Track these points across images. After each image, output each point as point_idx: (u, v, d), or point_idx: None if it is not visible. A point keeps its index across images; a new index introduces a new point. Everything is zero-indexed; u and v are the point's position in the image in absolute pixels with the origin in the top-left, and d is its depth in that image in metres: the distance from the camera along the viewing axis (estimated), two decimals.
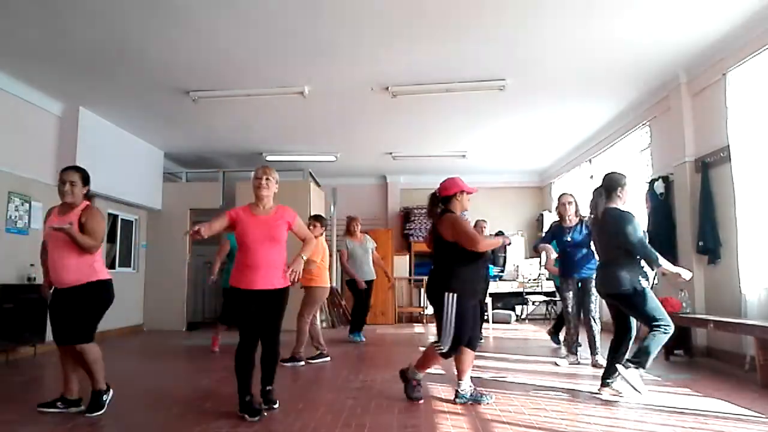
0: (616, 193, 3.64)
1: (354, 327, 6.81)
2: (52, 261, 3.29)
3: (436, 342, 3.43)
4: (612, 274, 3.51)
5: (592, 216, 3.82)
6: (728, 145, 4.74)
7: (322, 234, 5.48)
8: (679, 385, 3.87)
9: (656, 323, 3.41)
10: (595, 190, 3.78)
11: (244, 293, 3.23)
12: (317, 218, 5.56)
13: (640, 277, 3.47)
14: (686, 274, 3.48)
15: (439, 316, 3.40)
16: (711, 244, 4.99)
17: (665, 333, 3.40)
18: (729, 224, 4.77)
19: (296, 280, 3.36)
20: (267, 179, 3.35)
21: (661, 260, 3.46)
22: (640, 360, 3.38)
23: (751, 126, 4.57)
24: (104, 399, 3.34)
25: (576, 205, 4.98)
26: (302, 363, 5.04)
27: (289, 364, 4.95)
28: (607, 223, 3.59)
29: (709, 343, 5.07)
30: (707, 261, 5.14)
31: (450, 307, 3.33)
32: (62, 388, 3.37)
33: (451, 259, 3.43)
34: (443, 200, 3.61)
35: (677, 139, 5.60)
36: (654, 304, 3.47)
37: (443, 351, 3.38)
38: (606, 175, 3.77)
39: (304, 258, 3.41)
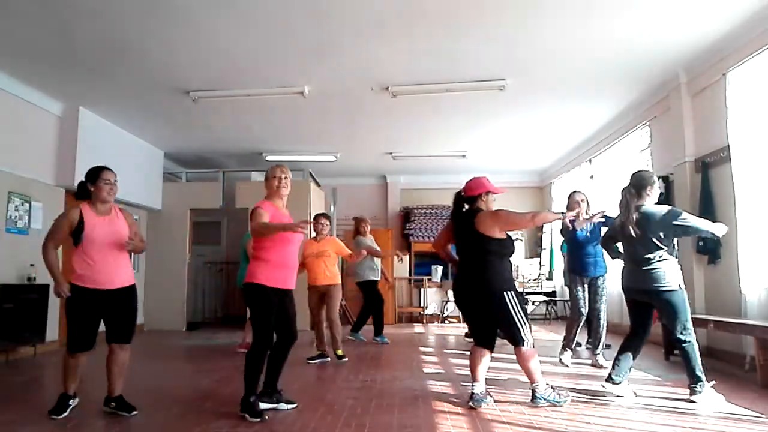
0: (646, 192, 3.57)
1: (377, 329, 6.77)
2: (105, 263, 3.26)
3: (522, 344, 3.30)
4: (655, 272, 3.44)
5: (624, 215, 3.60)
6: (728, 145, 4.74)
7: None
8: (679, 385, 3.86)
9: (686, 326, 3.42)
10: (624, 189, 3.66)
11: (274, 292, 3.21)
12: (327, 216, 5.73)
13: (680, 276, 3.48)
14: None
15: (505, 316, 3.29)
16: (711, 244, 4.99)
17: (691, 337, 3.42)
18: (729, 224, 4.69)
19: None
20: (286, 177, 3.38)
21: (712, 224, 3.49)
22: (696, 381, 3.40)
23: (751, 126, 4.57)
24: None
25: (587, 203, 4.92)
26: (346, 359, 5.22)
27: (339, 362, 5.13)
28: (647, 220, 3.48)
29: (709, 343, 5.07)
30: (707, 261, 5.14)
31: (514, 304, 3.30)
32: (65, 388, 3.32)
33: (491, 255, 3.33)
34: (468, 200, 3.52)
35: (677, 139, 5.60)
36: (687, 305, 3.48)
37: (533, 344, 3.33)
38: (635, 173, 3.69)
39: None
